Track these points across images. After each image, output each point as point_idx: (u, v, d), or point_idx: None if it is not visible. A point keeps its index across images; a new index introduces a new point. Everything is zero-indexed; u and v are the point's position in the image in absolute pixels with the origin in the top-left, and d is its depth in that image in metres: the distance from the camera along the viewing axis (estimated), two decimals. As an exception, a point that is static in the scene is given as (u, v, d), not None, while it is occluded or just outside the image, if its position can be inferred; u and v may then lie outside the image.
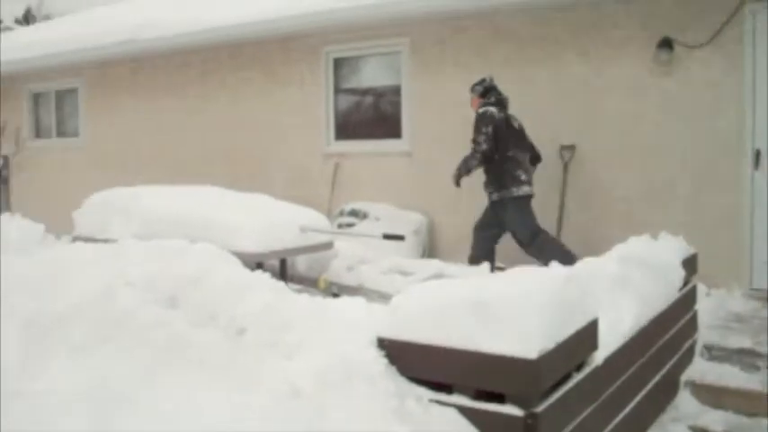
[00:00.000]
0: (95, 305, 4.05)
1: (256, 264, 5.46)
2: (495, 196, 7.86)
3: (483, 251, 7.69)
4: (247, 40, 10.49)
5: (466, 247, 8.50)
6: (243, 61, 10.94)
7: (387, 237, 6.07)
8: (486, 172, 7.97)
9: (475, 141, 7.79)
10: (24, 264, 5.64)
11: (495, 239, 7.88)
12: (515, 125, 8.09)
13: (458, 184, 8.06)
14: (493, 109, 7.88)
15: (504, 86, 8.56)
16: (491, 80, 8.27)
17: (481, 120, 7.82)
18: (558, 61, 8.59)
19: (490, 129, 7.74)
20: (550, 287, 3.96)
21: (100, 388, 3.52)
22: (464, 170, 7.95)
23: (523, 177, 7.84)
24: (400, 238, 6.09)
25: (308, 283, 6.05)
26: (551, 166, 8.57)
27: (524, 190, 7.83)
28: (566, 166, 8.54)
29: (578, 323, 3.93)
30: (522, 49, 8.82)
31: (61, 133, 13.92)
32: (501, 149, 7.81)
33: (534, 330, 3.62)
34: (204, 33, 10.65)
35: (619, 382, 4.49)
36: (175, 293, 4.19)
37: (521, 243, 7.72)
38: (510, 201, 7.76)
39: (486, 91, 8.17)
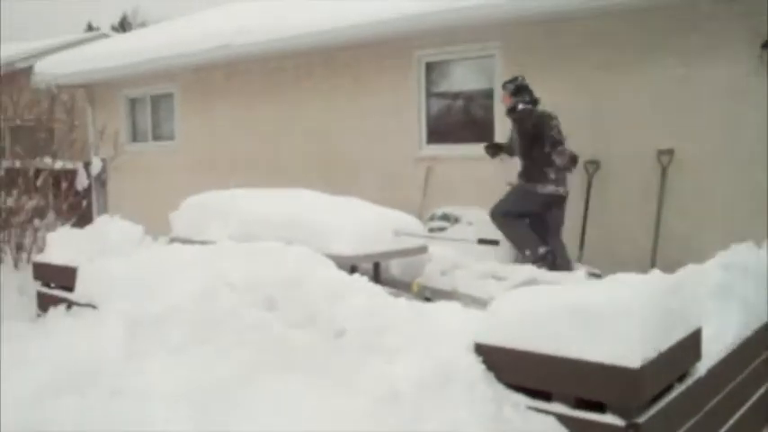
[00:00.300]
0: (196, 306, 4.12)
1: (350, 267, 5.47)
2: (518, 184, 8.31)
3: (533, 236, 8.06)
4: (340, 45, 10.55)
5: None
6: (335, 66, 11.02)
7: (482, 242, 6.03)
8: (521, 164, 8.40)
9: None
10: (125, 264, 5.79)
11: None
12: (551, 123, 8.25)
13: (493, 155, 8.79)
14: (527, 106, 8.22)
15: (598, 90, 8.43)
16: (523, 79, 8.44)
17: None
18: (655, 63, 8.41)
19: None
20: (653, 295, 3.87)
21: (200, 387, 3.57)
22: (495, 150, 8.70)
23: (551, 176, 8.13)
24: (495, 243, 6.04)
25: (402, 286, 6.04)
26: (647, 171, 8.40)
27: (549, 189, 8.15)
28: (664, 171, 8.35)
29: (681, 332, 3.82)
30: (616, 51, 8.67)
31: (157, 137, 14.24)
32: (538, 146, 8.11)
33: (637, 338, 3.53)
34: (297, 39, 10.75)
35: (722, 395, 4.36)
36: (274, 295, 4.24)
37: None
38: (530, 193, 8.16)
39: (518, 90, 8.36)
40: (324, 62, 11.12)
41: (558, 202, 8.22)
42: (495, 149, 8.72)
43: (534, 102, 8.31)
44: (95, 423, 3.43)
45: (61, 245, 6.87)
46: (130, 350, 4.03)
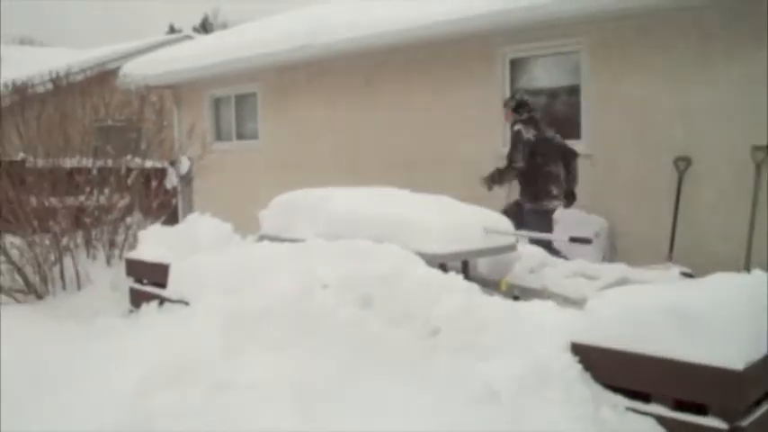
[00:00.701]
0: (292, 303, 4.15)
1: (439, 265, 5.45)
2: (527, 206, 8.37)
3: None
4: (423, 42, 10.53)
5: (648, 252, 8.26)
6: (419, 63, 11.00)
7: (573, 240, 5.94)
8: (521, 184, 8.49)
9: (511, 158, 8.32)
10: (217, 261, 5.88)
11: None
12: (551, 139, 8.47)
13: (489, 188, 8.64)
14: (524, 127, 8.31)
15: (689, 85, 8.25)
16: (521, 95, 8.69)
17: (517, 138, 8.29)
18: (749, 57, 8.19)
19: (526, 148, 8.22)
20: (755, 295, 3.79)
21: (300, 383, 3.60)
22: (498, 180, 8.55)
23: (555, 192, 8.31)
24: (588, 241, 5.94)
25: (490, 285, 5.99)
26: (741, 168, 8.19)
27: (554, 204, 8.35)
28: (758, 168, 8.13)
29: (786, 334, 3.72)
30: (709, 46, 8.46)
31: (240, 136, 14.43)
32: (536, 165, 8.26)
33: (740, 340, 3.46)
34: (379, 37, 10.77)
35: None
36: (370, 293, 4.25)
37: None
38: (540, 212, 8.25)
39: (518, 106, 8.57)
40: (407, 60, 11.12)
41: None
42: (491, 181, 8.71)
43: (532, 119, 8.46)
44: (198, 417, 3.49)
45: (153, 242, 7.02)
46: (229, 346, 4.08)
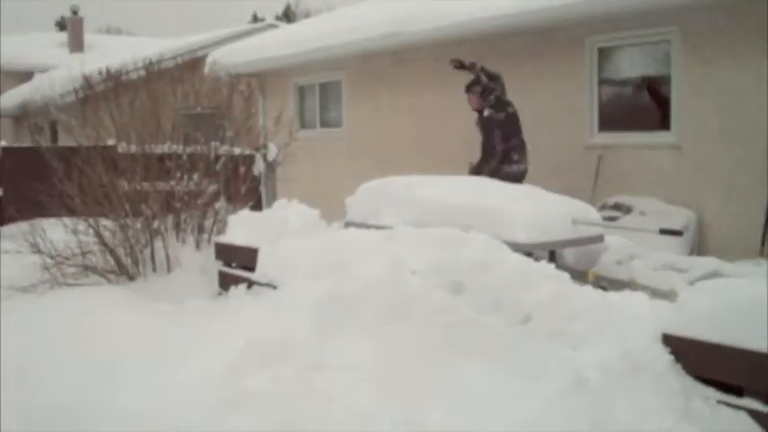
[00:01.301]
0: (385, 288, 4.20)
1: (525, 254, 5.44)
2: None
3: None
4: (511, 30, 10.48)
5: (738, 246, 8.08)
6: (505, 52, 10.93)
7: (663, 231, 5.86)
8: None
9: (490, 145, 8.70)
10: (305, 246, 5.97)
11: None
12: (514, 113, 8.94)
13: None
14: (494, 113, 8.79)
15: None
16: (484, 79, 9.02)
17: (490, 123, 8.74)
18: None
19: (500, 132, 8.67)
20: None
21: (390, 365, 3.65)
22: (486, 172, 8.54)
23: (516, 158, 8.71)
24: (678, 233, 5.87)
25: (577, 275, 5.95)
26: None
27: (514, 168, 8.64)
28: None
29: None
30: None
31: (324, 124, 14.56)
32: (507, 141, 8.69)
33: (838, 335, 3.40)
34: (465, 25, 10.74)
35: None
36: (461, 279, 4.27)
37: None
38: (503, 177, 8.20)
39: (484, 91, 8.91)
40: (494, 48, 11.05)
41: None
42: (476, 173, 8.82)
43: (499, 101, 8.87)
44: (292, 396, 3.57)
45: (242, 227, 7.15)
46: (319, 329, 4.15)
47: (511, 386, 3.56)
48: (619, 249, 6.67)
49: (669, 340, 3.86)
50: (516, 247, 5.22)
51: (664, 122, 9.31)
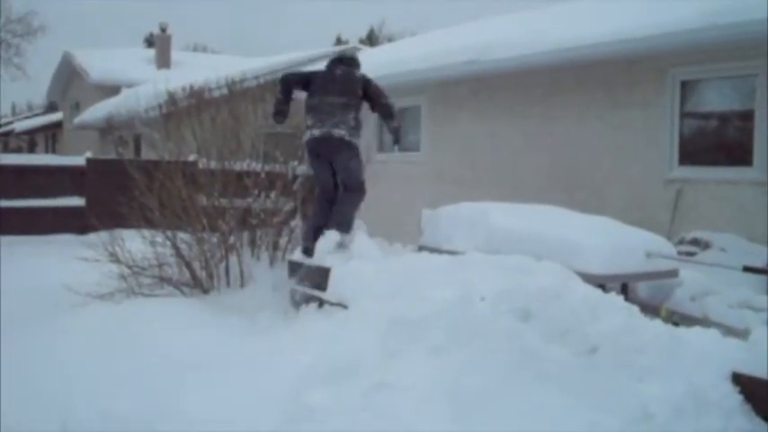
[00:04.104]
0: (454, 312, 4.22)
1: (597, 286, 5.40)
2: None
3: None
4: (592, 60, 10.42)
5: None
6: (586, 82, 10.88)
7: (747, 269, 5.71)
8: None
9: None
10: (377, 268, 6.02)
11: None
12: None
13: None
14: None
15: None
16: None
17: None
18: None
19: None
20: None
21: (456, 388, 3.66)
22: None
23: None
24: (764, 272, 5.71)
25: (649, 310, 5.87)
26: None
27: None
28: None
29: None
30: None
31: (403, 148, 14.62)
32: None
33: None
34: (548, 54, 10.72)
35: None
36: (529, 307, 4.26)
37: None
38: None
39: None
40: (575, 78, 11.02)
41: None
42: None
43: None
44: (355, 415, 3.60)
45: (318, 247, 7.21)
46: (387, 349, 4.18)
47: (576, 415, 3.54)
48: (693, 285, 6.56)
49: (739, 379, 3.79)
50: (588, 279, 5.19)
51: (746, 157, 9.14)
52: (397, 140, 8.02)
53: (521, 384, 3.69)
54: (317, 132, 7.30)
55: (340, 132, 7.17)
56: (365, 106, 7.49)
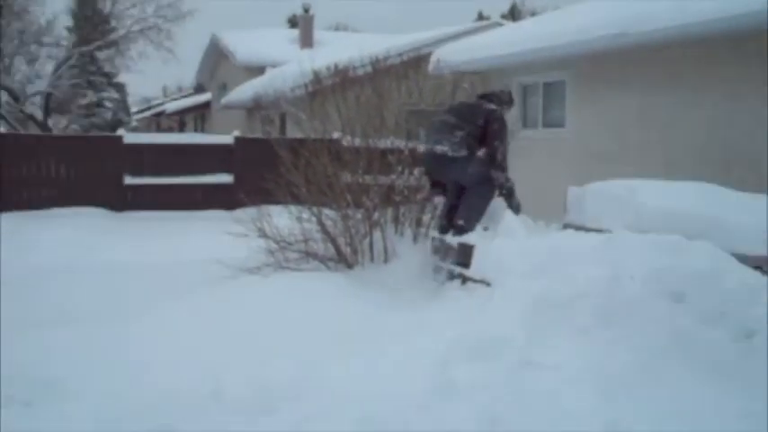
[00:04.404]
0: (603, 292, 4.13)
1: (754, 267, 5.16)
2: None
3: None
4: (750, 31, 9.93)
5: None
6: (742, 54, 10.40)
7: None
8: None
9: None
10: (521, 246, 5.95)
11: None
12: None
13: None
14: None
15: None
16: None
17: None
18: None
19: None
20: None
21: (603, 369, 3.59)
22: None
23: None
24: None
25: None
26: None
27: None
28: None
29: None
30: None
31: (547, 124, 14.38)
32: None
33: None
34: (702, 25, 10.26)
35: None
36: (682, 289, 4.12)
37: None
38: None
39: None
40: (729, 49, 10.54)
41: None
42: None
43: None
44: (501, 390, 3.58)
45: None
46: (533, 327, 4.14)
47: (728, 402, 3.41)
48: None
49: None
50: (745, 260, 4.96)
51: None
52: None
53: (670, 367, 3.58)
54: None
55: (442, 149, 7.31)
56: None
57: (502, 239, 6.41)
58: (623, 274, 4.27)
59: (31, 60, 26.80)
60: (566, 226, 6.95)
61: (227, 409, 4.14)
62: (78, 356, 5.23)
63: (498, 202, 7.41)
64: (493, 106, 7.79)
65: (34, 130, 24.84)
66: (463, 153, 7.29)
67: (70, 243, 10.54)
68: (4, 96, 25.58)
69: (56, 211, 14.34)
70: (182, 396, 4.32)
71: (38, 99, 27.34)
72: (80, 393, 4.55)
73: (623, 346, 3.71)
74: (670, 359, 3.65)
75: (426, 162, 7.74)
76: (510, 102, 8.32)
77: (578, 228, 6.62)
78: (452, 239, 7.12)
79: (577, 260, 5.04)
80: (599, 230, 6.13)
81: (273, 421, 3.92)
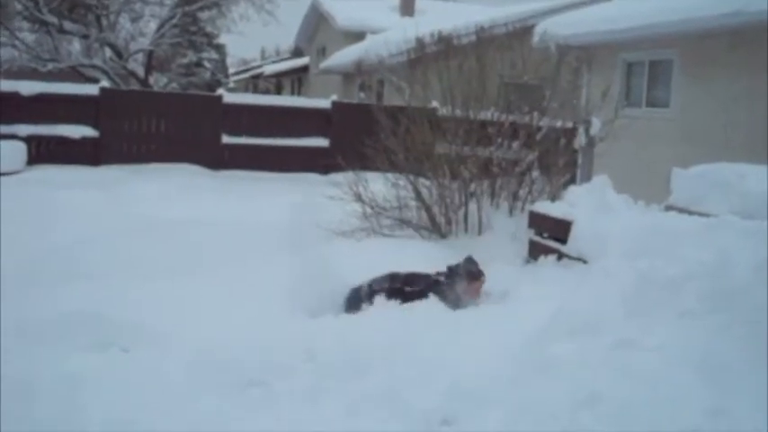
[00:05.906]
0: (710, 275, 4.01)
1: None
2: None
3: None
4: None
5: None
6: None
7: None
8: None
9: None
10: (622, 225, 5.85)
11: None
12: None
13: None
14: None
15: None
16: None
17: None
18: None
19: None
20: None
21: (707, 355, 3.49)
22: None
23: None
24: None
25: None
26: None
27: None
28: None
29: None
30: None
31: (651, 103, 14.04)
32: None
33: None
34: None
35: None
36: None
37: None
38: None
39: None
40: None
41: None
42: None
43: None
44: (599, 369, 3.52)
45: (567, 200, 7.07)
46: (633, 307, 4.05)
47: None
48: None
49: None
50: None
51: None
52: None
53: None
54: None
55: None
56: None
57: (602, 217, 6.29)
58: (731, 259, 4.13)
59: (135, 18, 27.26)
60: (668, 208, 6.79)
61: (318, 371, 4.15)
62: (179, 308, 5.35)
63: (602, 178, 7.26)
64: None
65: (135, 87, 25.35)
66: None
67: (169, 197, 10.72)
68: (108, 52, 26.14)
69: (154, 165, 14.64)
70: (275, 353, 4.36)
71: (140, 56, 27.86)
72: (176, 343, 4.64)
73: (729, 333, 3.59)
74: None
75: None
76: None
77: (681, 210, 6.46)
78: (551, 213, 7.01)
79: (682, 242, 4.92)
80: (703, 214, 5.97)
81: (364, 385, 3.91)
